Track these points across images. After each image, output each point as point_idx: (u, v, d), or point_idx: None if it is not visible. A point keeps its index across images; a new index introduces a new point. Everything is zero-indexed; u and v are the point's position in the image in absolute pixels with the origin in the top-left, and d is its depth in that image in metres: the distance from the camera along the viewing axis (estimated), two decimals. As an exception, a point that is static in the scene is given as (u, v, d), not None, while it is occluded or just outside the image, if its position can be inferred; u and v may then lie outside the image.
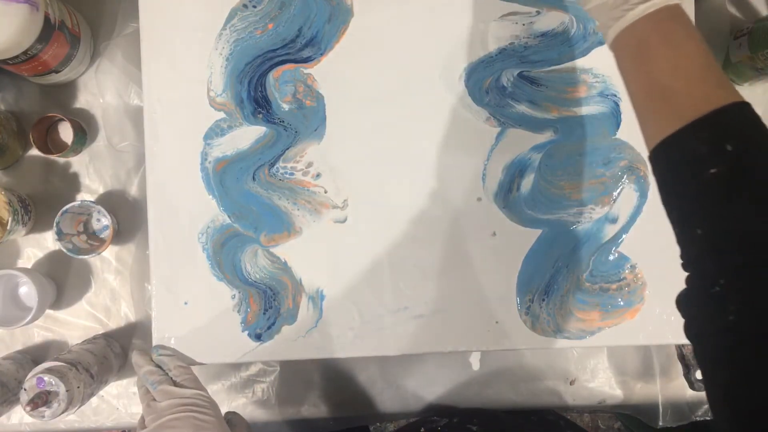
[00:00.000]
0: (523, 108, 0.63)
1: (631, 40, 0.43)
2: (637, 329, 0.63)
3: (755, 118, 0.39)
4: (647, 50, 0.42)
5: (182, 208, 0.62)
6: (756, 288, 0.36)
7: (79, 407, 0.62)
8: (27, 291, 0.69)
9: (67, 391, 0.58)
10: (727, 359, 0.37)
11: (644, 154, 0.63)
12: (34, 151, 0.70)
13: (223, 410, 0.68)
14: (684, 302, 0.41)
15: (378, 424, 1.44)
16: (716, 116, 0.38)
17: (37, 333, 0.71)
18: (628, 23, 0.43)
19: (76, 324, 0.71)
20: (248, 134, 0.62)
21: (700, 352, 0.40)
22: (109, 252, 0.71)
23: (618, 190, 0.63)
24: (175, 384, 0.56)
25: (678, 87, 0.40)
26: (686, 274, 0.41)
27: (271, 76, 0.62)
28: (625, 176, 0.63)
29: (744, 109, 0.39)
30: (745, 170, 0.37)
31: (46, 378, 0.58)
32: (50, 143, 0.71)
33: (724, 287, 0.37)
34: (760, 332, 0.35)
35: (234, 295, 0.62)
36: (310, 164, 0.63)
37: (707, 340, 0.39)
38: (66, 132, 0.70)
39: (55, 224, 0.65)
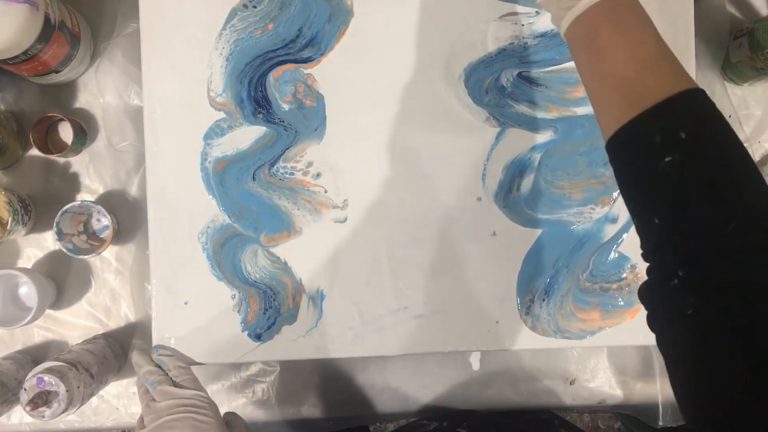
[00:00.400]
0: (522, 108, 0.63)
1: (582, 29, 0.43)
2: (637, 329, 0.63)
3: (709, 105, 0.39)
4: (599, 39, 0.41)
5: (182, 208, 0.62)
6: (714, 279, 0.35)
7: (79, 407, 0.62)
8: (27, 291, 0.69)
9: (67, 391, 0.58)
10: (687, 355, 0.37)
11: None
12: (34, 151, 0.70)
13: (223, 410, 0.68)
14: (645, 295, 0.41)
15: (378, 424, 1.44)
16: (669, 104, 0.38)
17: (37, 333, 0.71)
18: (579, 12, 0.42)
19: (76, 324, 0.71)
20: (248, 134, 0.62)
21: (663, 345, 0.39)
22: (109, 252, 0.71)
23: (618, 190, 0.63)
24: (175, 384, 0.56)
25: (631, 76, 0.40)
26: (647, 265, 0.40)
27: (271, 76, 0.62)
28: (625, 176, 0.63)
29: (698, 95, 0.39)
30: (700, 157, 0.37)
31: (46, 378, 0.58)
32: (50, 143, 0.71)
33: (683, 279, 0.36)
34: (719, 327, 0.35)
35: (234, 295, 0.62)
36: (310, 164, 0.63)
37: (668, 334, 0.39)
38: (66, 132, 0.70)
39: (55, 224, 0.65)
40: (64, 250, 0.66)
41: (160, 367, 0.58)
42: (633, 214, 0.41)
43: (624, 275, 0.63)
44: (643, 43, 0.41)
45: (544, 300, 0.63)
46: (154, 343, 0.61)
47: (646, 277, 0.41)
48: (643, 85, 0.39)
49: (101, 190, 0.71)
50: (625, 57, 0.40)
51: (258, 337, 0.62)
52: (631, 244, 0.63)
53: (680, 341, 0.37)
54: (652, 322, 0.40)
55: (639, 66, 0.40)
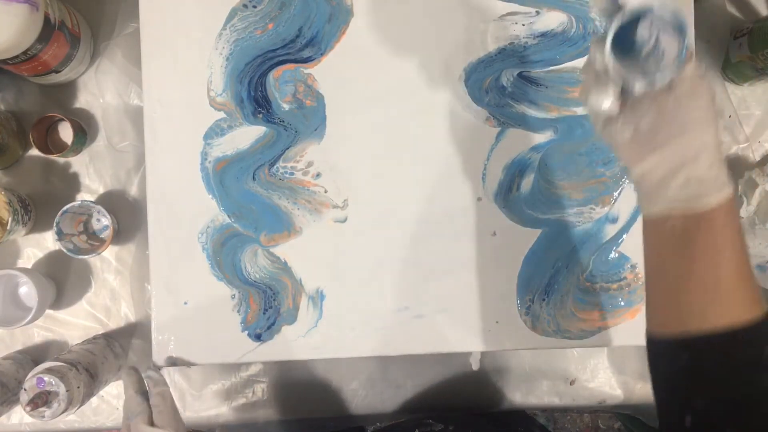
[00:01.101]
0: (523, 108, 0.63)
1: (700, 221, 0.40)
2: (637, 329, 0.63)
3: None
4: (721, 234, 0.40)
5: (182, 207, 0.62)
6: None
7: (79, 407, 0.62)
8: (27, 291, 0.69)
9: (67, 391, 0.58)
10: None
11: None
12: (34, 151, 0.70)
13: (222, 410, 0.68)
14: None
15: (378, 424, 1.44)
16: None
17: (37, 333, 0.71)
18: (709, 207, 0.39)
19: (76, 324, 0.71)
20: (248, 134, 0.62)
21: None
22: (109, 252, 0.71)
23: (618, 190, 0.63)
24: (151, 417, 0.52)
25: (747, 276, 0.40)
26: None
27: (271, 76, 0.62)
28: (625, 176, 0.63)
29: None
30: None
31: (46, 378, 0.58)
32: (50, 143, 0.71)
33: None
34: None
35: (234, 295, 0.62)
36: (310, 164, 0.63)
37: None
38: (66, 132, 0.70)
39: (55, 224, 0.65)
40: (64, 250, 0.66)
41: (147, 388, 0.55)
42: (681, 410, 0.40)
43: (624, 275, 0.63)
44: (745, 254, 0.40)
45: (544, 300, 0.63)
46: (154, 343, 0.61)
47: None
48: (745, 298, 0.39)
49: (101, 190, 0.71)
50: (741, 259, 0.40)
51: (258, 337, 0.62)
52: (631, 244, 0.63)
53: None
54: None
55: (749, 272, 0.40)
